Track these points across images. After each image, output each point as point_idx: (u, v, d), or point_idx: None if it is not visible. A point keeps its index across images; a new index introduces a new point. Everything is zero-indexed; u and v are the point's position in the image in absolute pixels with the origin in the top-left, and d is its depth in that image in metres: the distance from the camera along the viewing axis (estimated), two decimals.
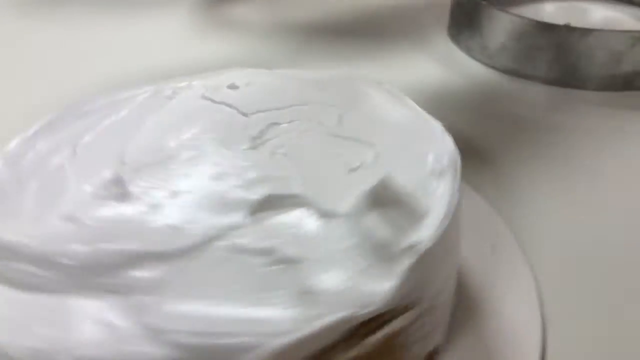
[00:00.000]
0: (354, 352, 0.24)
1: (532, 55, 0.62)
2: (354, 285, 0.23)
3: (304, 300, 0.23)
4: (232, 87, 0.35)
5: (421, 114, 0.33)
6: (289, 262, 0.24)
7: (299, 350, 0.22)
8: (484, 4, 0.64)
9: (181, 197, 0.27)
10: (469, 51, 0.68)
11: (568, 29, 0.59)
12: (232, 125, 0.31)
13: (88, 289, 0.23)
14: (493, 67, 0.65)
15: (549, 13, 0.63)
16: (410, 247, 0.25)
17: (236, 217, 0.26)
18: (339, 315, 0.23)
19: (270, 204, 0.26)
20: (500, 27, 0.63)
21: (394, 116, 0.33)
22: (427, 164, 0.29)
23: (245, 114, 0.32)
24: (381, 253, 0.24)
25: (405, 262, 0.24)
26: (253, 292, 0.23)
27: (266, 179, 0.27)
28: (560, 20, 0.60)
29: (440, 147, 0.30)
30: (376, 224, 0.26)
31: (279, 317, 0.22)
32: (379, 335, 0.25)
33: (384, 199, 0.27)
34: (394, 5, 0.79)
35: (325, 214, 0.26)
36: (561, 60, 0.61)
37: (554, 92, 0.61)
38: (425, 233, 0.25)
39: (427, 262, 0.25)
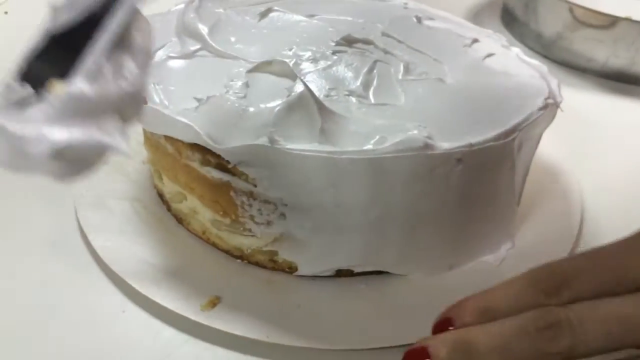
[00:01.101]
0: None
1: (590, 48, 0.60)
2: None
3: None
4: None
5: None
6: None
7: None
8: None
9: None
10: (522, 38, 0.66)
11: (629, 22, 0.57)
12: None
13: None
14: (546, 57, 0.63)
15: (609, 5, 0.61)
16: None
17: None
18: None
19: None
20: (557, 15, 0.61)
21: None
22: None
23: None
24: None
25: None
26: None
27: None
28: (620, 13, 0.58)
29: None
30: None
31: None
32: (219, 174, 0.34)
33: None
34: None
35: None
36: (620, 55, 0.59)
37: (610, 87, 0.59)
38: None
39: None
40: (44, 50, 0.23)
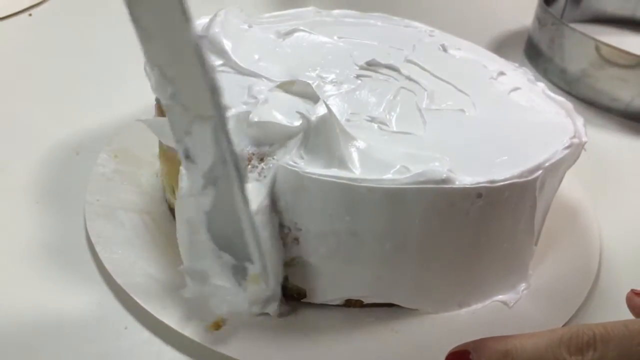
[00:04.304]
0: None
1: (614, 87, 0.59)
2: None
3: None
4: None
5: None
6: None
7: None
8: (568, 27, 0.61)
9: None
10: (545, 73, 0.65)
11: None
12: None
13: None
14: (569, 93, 0.62)
15: (635, 45, 0.60)
16: None
17: None
18: None
19: None
20: (583, 52, 0.60)
21: None
22: None
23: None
24: None
25: None
26: None
27: None
28: None
29: None
30: None
31: None
32: None
33: None
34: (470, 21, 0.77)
35: None
36: None
37: (633, 128, 0.58)
38: None
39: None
40: None
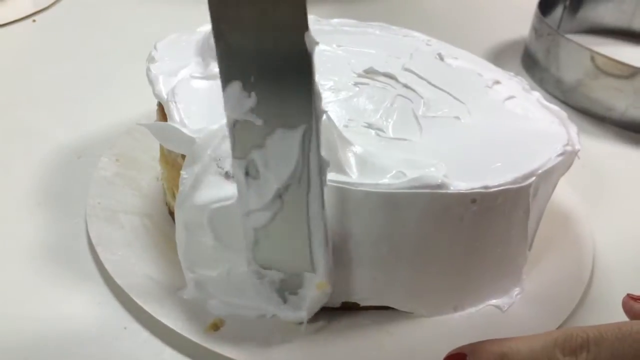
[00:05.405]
0: None
1: (609, 96, 0.60)
2: None
3: None
4: None
5: None
6: None
7: None
8: (564, 38, 0.62)
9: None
10: (541, 83, 0.66)
11: None
12: None
13: None
14: (565, 103, 0.63)
15: (631, 55, 0.61)
16: None
17: None
18: None
19: None
20: (578, 62, 0.61)
21: None
22: None
23: None
24: None
25: None
26: None
27: None
28: None
29: None
30: None
31: None
32: None
33: None
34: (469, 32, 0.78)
35: None
36: (639, 106, 0.59)
37: (628, 137, 0.59)
38: None
39: None
40: None
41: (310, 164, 0.29)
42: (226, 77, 0.27)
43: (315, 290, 0.33)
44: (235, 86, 0.27)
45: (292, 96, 0.27)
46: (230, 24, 0.25)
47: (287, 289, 0.34)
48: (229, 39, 0.26)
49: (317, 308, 0.34)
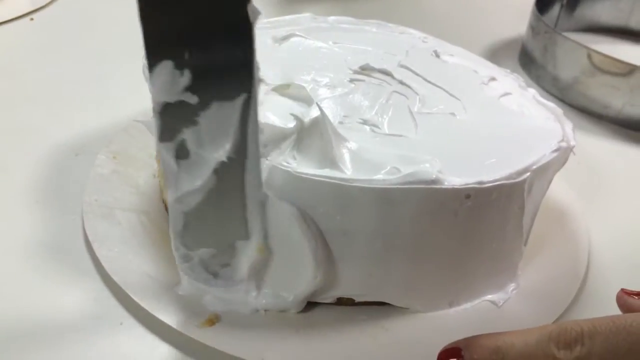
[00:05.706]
0: None
1: (606, 94, 0.60)
2: None
3: None
4: None
5: None
6: None
7: None
8: (561, 35, 0.62)
9: None
10: (538, 80, 0.66)
11: None
12: None
13: None
14: (562, 100, 0.63)
15: (627, 53, 0.61)
16: None
17: None
18: None
19: None
20: (575, 60, 0.61)
21: None
22: None
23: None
24: None
25: None
26: None
27: None
28: (638, 62, 0.58)
29: None
30: None
31: None
32: None
33: None
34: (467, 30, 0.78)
35: None
36: (635, 103, 0.59)
37: (624, 135, 0.59)
38: None
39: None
40: None
41: (249, 132, 0.28)
42: (154, 58, 0.26)
43: (257, 254, 0.32)
44: (166, 66, 0.26)
45: (233, 68, 0.26)
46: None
47: (218, 263, 0.33)
48: (159, 16, 0.25)
49: (263, 273, 0.34)
